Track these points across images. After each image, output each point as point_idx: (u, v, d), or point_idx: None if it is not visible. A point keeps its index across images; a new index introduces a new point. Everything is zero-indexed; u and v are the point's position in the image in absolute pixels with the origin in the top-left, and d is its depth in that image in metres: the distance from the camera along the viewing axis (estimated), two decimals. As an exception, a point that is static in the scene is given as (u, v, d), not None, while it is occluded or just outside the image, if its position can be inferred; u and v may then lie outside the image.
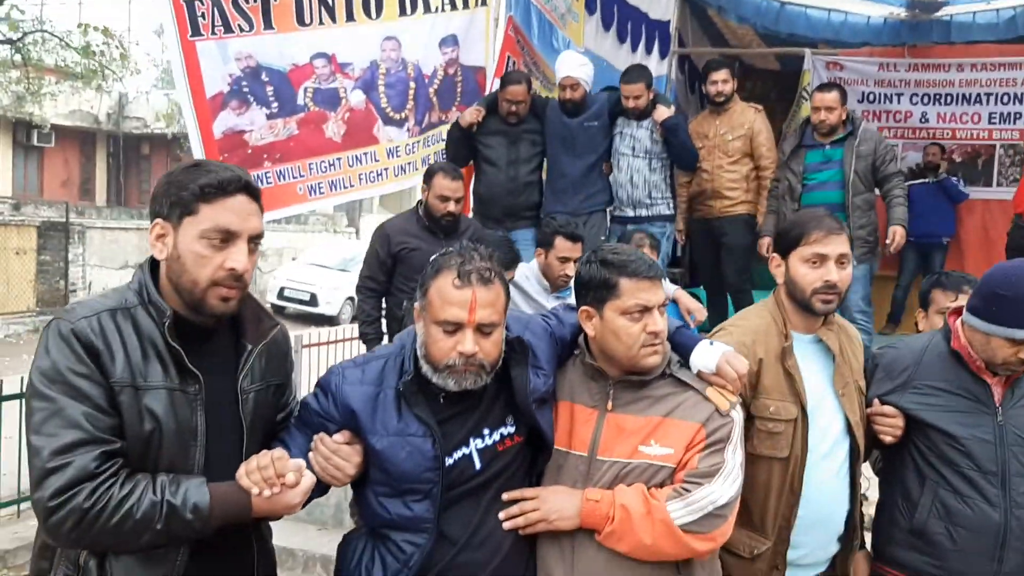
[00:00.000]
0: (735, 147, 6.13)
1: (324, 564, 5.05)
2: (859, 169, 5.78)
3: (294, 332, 6.66)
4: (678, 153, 5.80)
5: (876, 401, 2.64)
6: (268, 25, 5.27)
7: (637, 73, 5.71)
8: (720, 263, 6.30)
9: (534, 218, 5.83)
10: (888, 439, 2.61)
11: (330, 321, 16.56)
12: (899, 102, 8.53)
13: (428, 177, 4.76)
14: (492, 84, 6.01)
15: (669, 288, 4.18)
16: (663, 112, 5.66)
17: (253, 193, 2.01)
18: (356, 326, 5.05)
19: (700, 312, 4.39)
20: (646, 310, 2.18)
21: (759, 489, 2.51)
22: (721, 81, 6.15)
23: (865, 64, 8.46)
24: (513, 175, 5.72)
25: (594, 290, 2.22)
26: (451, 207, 4.72)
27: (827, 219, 2.58)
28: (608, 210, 6.02)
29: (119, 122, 25.72)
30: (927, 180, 7.96)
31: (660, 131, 5.70)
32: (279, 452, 2.01)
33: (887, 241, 5.84)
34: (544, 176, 5.95)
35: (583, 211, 5.77)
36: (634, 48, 8.02)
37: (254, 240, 2.00)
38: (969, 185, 8.28)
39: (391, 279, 4.90)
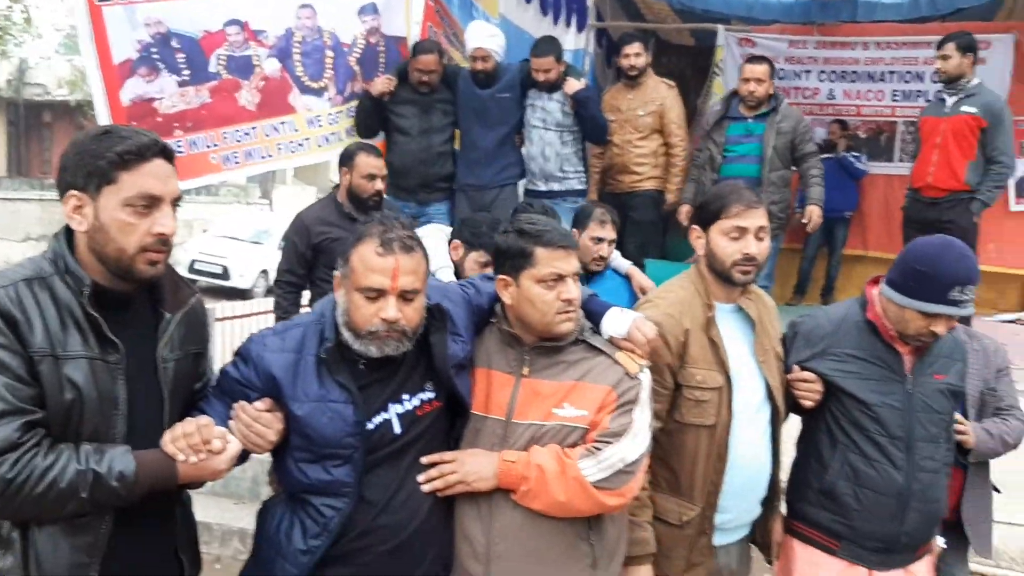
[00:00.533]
0: (645, 123, 6.13)
1: (241, 537, 5.00)
2: (778, 145, 5.88)
3: (207, 305, 6.54)
4: (588, 126, 5.79)
5: (796, 367, 2.74)
6: (179, -10, 5.11)
7: (547, 46, 5.67)
8: (624, 237, 6.35)
9: (448, 190, 5.78)
10: (807, 404, 2.71)
11: (243, 294, 16.23)
12: (807, 79, 8.74)
13: (348, 159, 4.62)
14: None
15: (623, 264, 4.22)
16: (573, 85, 5.61)
17: (169, 156, 2.00)
18: (272, 299, 4.95)
19: (653, 290, 4.44)
20: (561, 278, 2.25)
21: (687, 457, 2.59)
22: (634, 55, 6.16)
23: (776, 41, 8.65)
24: (426, 144, 5.66)
25: (511, 259, 2.29)
26: (379, 185, 4.62)
27: (746, 192, 2.66)
28: (521, 183, 6.00)
29: (19, 89, 24.61)
30: (828, 156, 8.22)
31: (571, 104, 5.66)
32: (204, 419, 2.01)
33: (804, 220, 5.99)
34: (458, 148, 5.92)
35: (496, 184, 5.75)
36: (555, 20, 8.01)
37: (175, 203, 1.99)
38: (872, 161, 8.56)
39: (311, 271, 4.70)
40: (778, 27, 8.70)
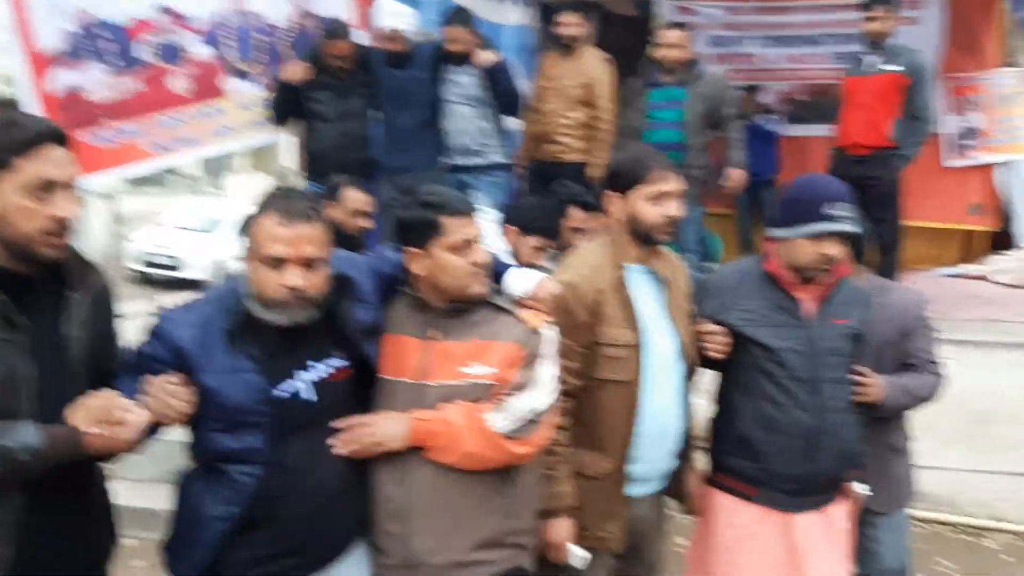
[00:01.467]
0: (575, 94, 6.03)
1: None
2: (700, 111, 5.93)
3: (162, 299, 6.52)
4: (502, 97, 5.73)
5: (704, 321, 2.84)
6: (103, -22, 5.07)
7: (457, 16, 5.62)
8: None
9: (368, 175, 5.63)
10: (716, 356, 2.82)
11: (197, 285, 16.12)
12: (747, 45, 8.86)
13: (333, 191, 4.35)
14: (355, 39, 5.89)
15: None
16: (483, 57, 5.57)
17: (63, 140, 2.03)
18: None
19: None
20: (470, 243, 2.34)
21: (603, 412, 2.69)
22: (572, 24, 6.06)
23: (715, 8, 8.76)
24: (344, 129, 5.60)
25: (418, 231, 2.35)
26: (364, 222, 4.39)
27: (662, 158, 2.77)
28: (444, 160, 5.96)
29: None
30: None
31: (485, 77, 5.63)
32: (110, 392, 2.05)
33: (721, 182, 6.08)
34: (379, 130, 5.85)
35: (417, 166, 5.66)
36: None
37: (73, 187, 2.03)
38: (815, 123, 8.69)
39: None
40: (717, -6, 8.81)
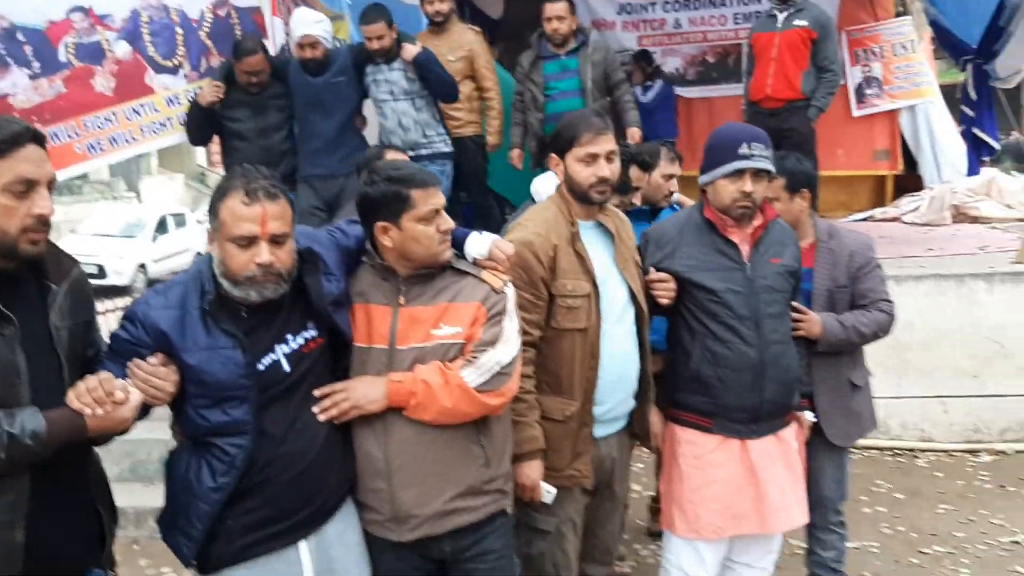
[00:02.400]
0: (457, 68, 6.08)
1: (155, 516, 5.03)
2: (595, 77, 6.05)
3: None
4: (436, 87, 5.73)
5: (652, 270, 3.04)
6: (18, -18, 5.03)
7: (375, 13, 5.56)
8: (457, 185, 6.26)
9: (293, 185, 5.64)
10: (664, 301, 3.01)
11: (121, 291, 15.83)
12: (654, 10, 9.08)
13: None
14: (272, 24, 5.92)
15: (676, 197, 4.29)
16: (411, 50, 5.55)
17: (41, 140, 2.09)
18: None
19: None
20: (437, 212, 2.46)
21: (564, 359, 2.85)
22: (439, 1, 6.14)
23: (621, -24, 8.94)
24: (266, 145, 5.56)
25: (387, 206, 2.45)
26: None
27: (595, 120, 2.93)
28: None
29: None
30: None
31: (413, 70, 5.61)
32: (105, 374, 2.12)
33: (628, 142, 6.26)
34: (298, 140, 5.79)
35: (342, 172, 5.61)
36: None
37: (51, 185, 2.09)
38: (722, 83, 8.97)
39: None
40: (622, -38, 8.99)
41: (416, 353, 2.46)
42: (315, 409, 2.40)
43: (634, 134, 6.05)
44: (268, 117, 5.59)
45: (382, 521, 2.50)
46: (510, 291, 2.57)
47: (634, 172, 3.91)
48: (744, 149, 2.89)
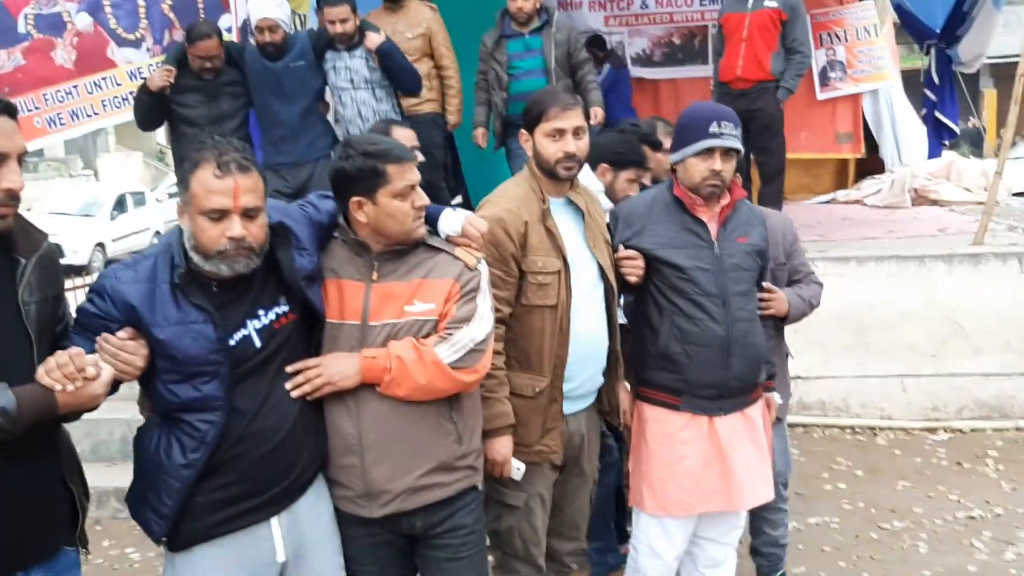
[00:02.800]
0: (415, 46, 5.99)
1: (118, 497, 4.99)
2: (558, 57, 6.02)
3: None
4: (399, 77, 5.60)
5: (621, 247, 3.05)
6: (-27, -49, 4.92)
7: None
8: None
9: None
10: (633, 279, 3.02)
11: (79, 271, 15.58)
12: (622, -9, 9.07)
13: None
14: (235, 0, 5.81)
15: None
16: (374, 39, 5.43)
17: (12, 111, 2.03)
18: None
19: None
20: (412, 188, 2.45)
21: (535, 335, 2.85)
22: None
23: (590, -43, 8.92)
24: (218, 133, 5.21)
25: (363, 181, 2.43)
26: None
27: (563, 95, 2.93)
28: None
29: None
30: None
31: (376, 59, 5.49)
32: (75, 349, 2.08)
33: (591, 122, 6.25)
34: (258, 128, 5.68)
35: (308, 159, 5.55)
36: None
37: (20, 157, 2.03)
38: (689, 64, 9.01)
39: None
40: (589, -57, 8.96)
41: (389, 329, 2.45)
42: (288, 385, 2.38)
43: (596, 113, 6.04)
44: (221, 104, 5.42)
45: (353, 497, 2.49)
46: (484, 268, 2.57)
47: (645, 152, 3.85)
48: (714, 128, 2.92)
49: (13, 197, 2.00)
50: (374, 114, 5.61)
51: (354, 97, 5.58)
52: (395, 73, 5.56)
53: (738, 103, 5.81)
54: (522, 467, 2.85)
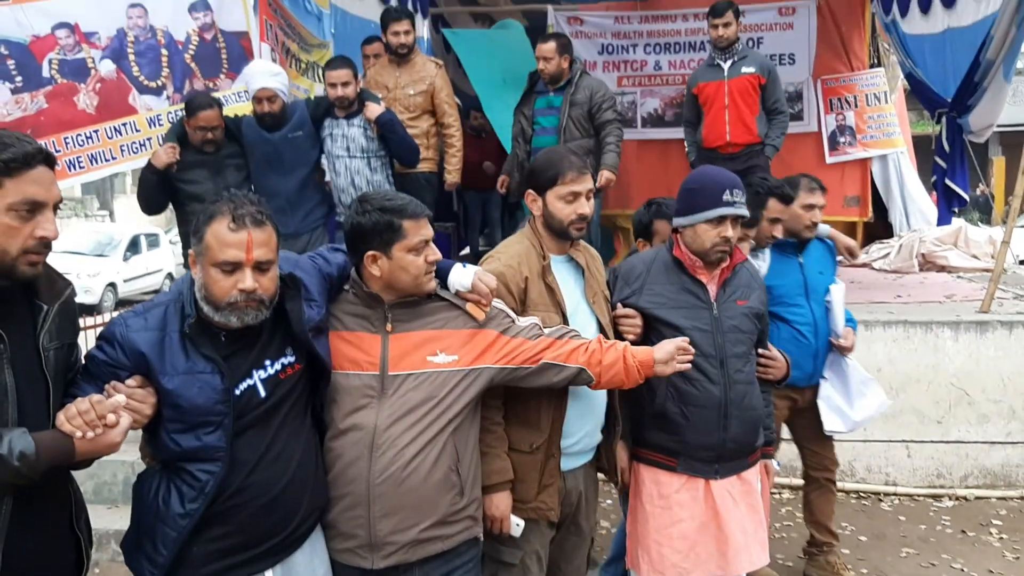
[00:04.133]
0: (416, 102, 6.03)
1: (118, 539, 4.97)
2: (573, 116, 6.11)
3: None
4: (398, 149, 5.58)
5: (619, 305, 3.08)
6: (1, -4, 5.06)
7: (343, 61, 5.45)
8: None
9: None
10: (630, 337, 3.04)
11: (90, 310, 15.66)
12: (634, 52, 9.21)
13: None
14: (259, 50, 5.90)
15: (824, 229, 4.36)
16: (375, 109, 5.41)
17: (51, 162, 2.07)
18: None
19: (856, 249, 4.58)
20: (427, 243, 2.51)
21: (532, 390, 2.83)
22: (403, 32, 6.07)
23: (602, 18, 9.08)
24: None
25: (379, 235, 2.49)
26: None
27: (575, 159, 2.97)
28: (334, 218, 5.75)
29: None
30: None
31: (375, 129, 5.47)
32: (96, 396, 2.09)
33: (597, 184, 6.29)
34: None
35: (304, 230, 5.49)
36: (402, 2, 8.08)
37: (56, 206, 2.07)
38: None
39: None
40: (603, 4, 9.14)
41: (412, 379, 2.50)
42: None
43: (602, 175, 6.08)
44: (227, 178, 5.28)
45: (355, 547, 2.50)
46: (499, 303, 2.67)
47: (774, 204, 3.97)
48: (727, 196, 2.97)
49: (46, 245, 2.03)
50: (367, 183, 5.56)
51: (348, 166, 5.53)
52: (394, 145, 5.52)
53: (729, 167, 5.83)
54: (521, 523, 2.85)
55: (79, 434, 2.03)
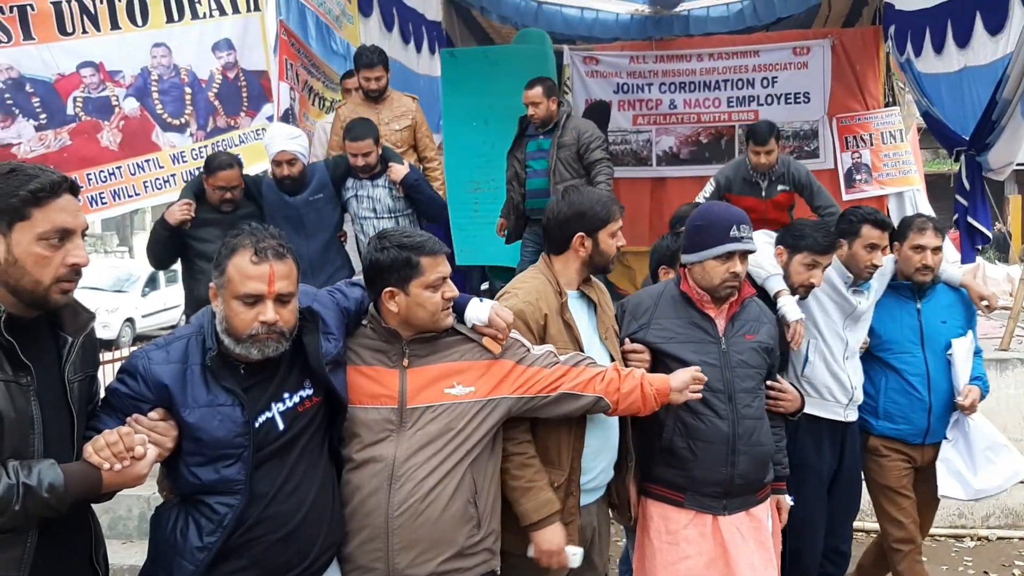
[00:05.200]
0: (402, 137, 5.93)
1: (132, 574, 4.98)
2: (562, 157, 6.02)
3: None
4: (427, 208, 5.51)
5: (627, 340, 3.08)
6: (28, 36, 5.15)
7: (363, 128, 5.25)
8: None
9: None
10: (638, 372, 3.01)
11: (108, 345, 15.74)
12: (650, 91, 9.26)
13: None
14: (278, 90, 5.97)
15: (955, 276, 4.09)
16: (399, 171, 5.32)
17: (76, 190, 2.11)
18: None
19: (994, 300, 4.11)
20: (444, 280, 2.53)
21: (552, 428, 2.84)
22: (375, 79, 5.88)
23: (618, 57, 9.16)
24: None
25: (397, 272, 2.51)
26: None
27: (613, 197, 3.09)
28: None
29: None
30: None
31: (401, 190, 5.37)
32: (124, 429, 2.12)
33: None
34: None
35: None
36: (418, 48, 8.18)
37: (83, 233, 2.11)
38: (715, 162, 9.12)
39: None
40: (619, 44, 9.21)
41: (430, 412, 2.52)
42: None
43: None
44: None
45: None
46: (515, 334, 2.67)
47: (869, 231, 3.75)
48: (735, 232, 2.98)
49: (77, 272, 2.06)
50: None
51: (376, 226, 5.42)
52: (423, 204, 5.46)
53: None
54: (579, 551, 2.79)
55: (107, 466, 2.05)
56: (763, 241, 3.68)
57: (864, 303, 3.81)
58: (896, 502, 3.95)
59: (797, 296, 3.56)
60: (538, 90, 6.03)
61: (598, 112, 8.32)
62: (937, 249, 3.89)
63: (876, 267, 3.77)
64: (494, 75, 6.84)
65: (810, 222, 3.79)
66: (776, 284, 3.55)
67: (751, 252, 3.04)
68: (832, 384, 3.76)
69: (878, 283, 3.94)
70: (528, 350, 2.69)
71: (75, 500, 2.01)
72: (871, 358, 3.98)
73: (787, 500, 3.30)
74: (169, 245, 5.06)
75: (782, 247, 3.64)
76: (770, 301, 3.48)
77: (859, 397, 3.86)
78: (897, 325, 3.93)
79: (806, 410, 3.69)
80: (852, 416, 3.85)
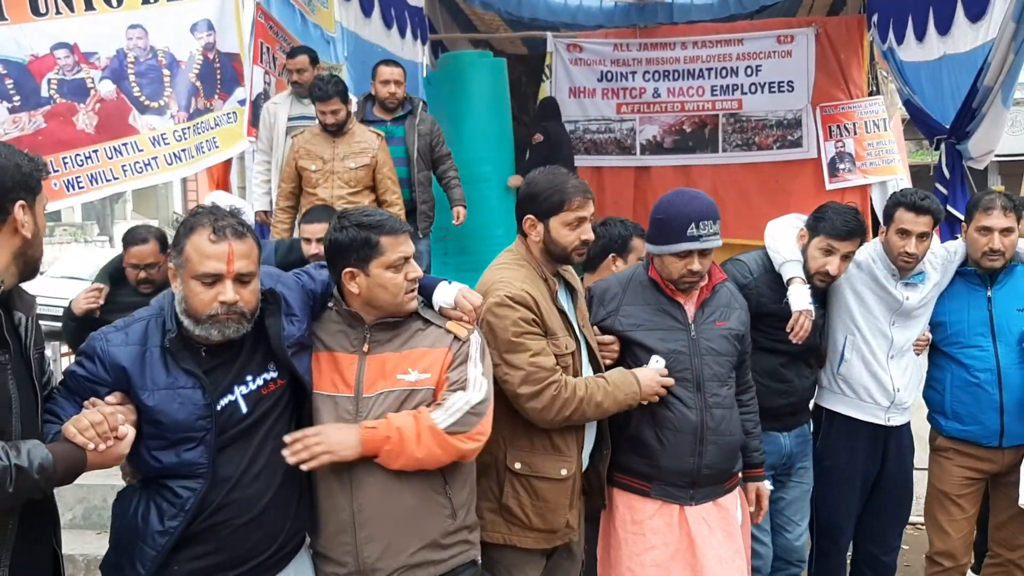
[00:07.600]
0: (357, 176, 5.40)
1: (102, 562, 4.94)
2: (420, 147, 5.89)
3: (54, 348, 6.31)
4: None
5: (596, 329, 3.01)
6: (0, 16, 5.05)
7: (318, 213, 4.60)
8: None
9: None
10: (608, 362, 2.98)
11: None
12: (633, 79, 9.24)
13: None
14: (252, 74, 5.85)
15: None
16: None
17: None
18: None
19: None
20: (406, 260, 2.45)
21: None
22: (331, 112, 5.33)
23: (602, 45, 9.13)
24: None
25: (356, 251, 2.43)
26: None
27: (580, 184, 2.87)
28: None
29: None
30: None
31: None
32: (108, 408, 2.10)
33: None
34: None
35: None
36: (402, 34, 8.06)
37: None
38: (698, 151, 9.12)
39: None
40: (602, 32, 9.18)
41: (383, 399, 2.43)
42: (285, 452, 2.33)
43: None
44: None
45: (344, 575, 2.45)
46: (476, 337, 2.55)
47: (903, 214, 3.44)
48: (692, 230, 2.84)
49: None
50: None
51: None
52: None
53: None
54: (660, 359, 2.90)
55: (92, 446, 2.02)
56: (788, 224, 3.56)
57: (915, 297, 3.55)
58: (948, 511, 3.68)
59: (810, 285, 3.37)
60: (400, 70, 5.87)
61: (551, 108, 8.27)
62: (1008, 230, 3.49)
63: (911, 256, 3.43)
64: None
65: (837, 204, 3.50)
66: (791, 270, 3.39)
67: (710, 249, 2.91)
68: (871, 384, 3.59)
69: (939, 274, 3.63)
70: (465, 361, 2.49)
71: (61, 480, 1.99)
72: (937, 352, 3.71)
73: (766, 486, 3.24)
74: (80, 335, 4.06)
75: (805, 229, 3.45)
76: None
77: (906, 399, 3.64)
78: (964, 316, 3.59)
79: (840, 410, 3.67)
80: (897, 420, 3.65)
